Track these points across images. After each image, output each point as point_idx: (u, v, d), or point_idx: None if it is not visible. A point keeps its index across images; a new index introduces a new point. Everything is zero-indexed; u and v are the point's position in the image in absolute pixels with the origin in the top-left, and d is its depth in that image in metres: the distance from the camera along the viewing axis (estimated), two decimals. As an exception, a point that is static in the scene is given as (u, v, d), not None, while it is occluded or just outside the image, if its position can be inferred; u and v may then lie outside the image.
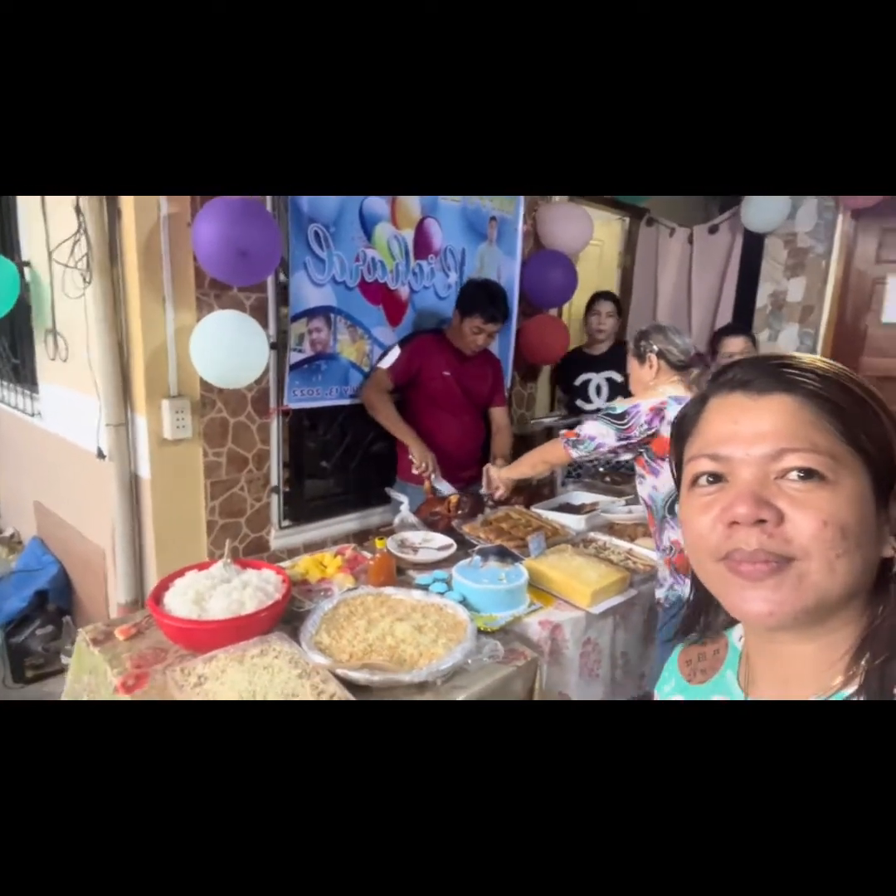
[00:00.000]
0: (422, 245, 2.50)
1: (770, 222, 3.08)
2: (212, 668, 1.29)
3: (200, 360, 1.94)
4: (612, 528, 2.15)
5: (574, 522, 2.09)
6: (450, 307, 2.48)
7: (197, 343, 1.93)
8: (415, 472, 2.18)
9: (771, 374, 0.48)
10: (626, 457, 1.71)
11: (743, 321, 3.39)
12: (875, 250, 3.06)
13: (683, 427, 0.55)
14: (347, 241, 2.26)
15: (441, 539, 1.91)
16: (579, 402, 3.00)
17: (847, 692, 0.46)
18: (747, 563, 0.46)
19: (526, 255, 2.87)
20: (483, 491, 2.07)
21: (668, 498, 1.63)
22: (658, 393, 1.66)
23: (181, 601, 1.41)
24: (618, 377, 2.90)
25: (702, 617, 0.60)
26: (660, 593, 1.69)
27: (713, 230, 3.43)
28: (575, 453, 1.72)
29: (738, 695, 0.55)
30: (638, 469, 1.73)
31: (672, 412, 1.58)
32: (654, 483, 1.66)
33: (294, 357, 2.20)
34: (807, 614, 0.46)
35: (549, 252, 2.85)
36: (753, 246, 3.31)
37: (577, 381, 2.98)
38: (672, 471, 0.58)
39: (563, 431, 1.79)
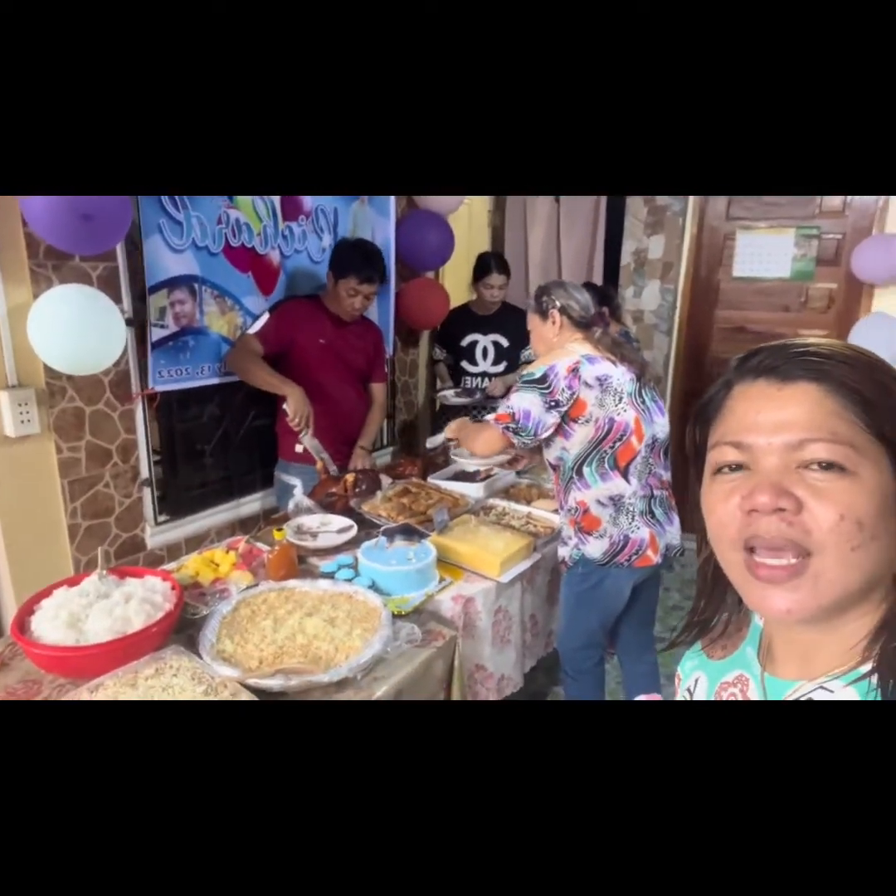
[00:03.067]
0: (290, 205, 2.31)
1: (632, 181, 3.18)
2: (99, 696, 1.14)
3: (42, 343, 1.67)
4: (507, 493, 2.17)
5: (473, 491, 2.08)
6: (325, 272, 2.33)
7: (36, 323, 1.66)
8: (289, 423, 2.02)
9: (796, 361, 0.48)
10: (554, 422, 1.64)
11: (610, 279, 3.52)
12: (725, 208, 3.26)
13: (707, 412, 0.54)
14: (206, 200, 2.03)
15: (340, 521, 1.82)
16: (464, 363, 2.94)
17: (862, 670, 0.47)
18: (765, 557, 0.46)
19: (399, 216, 2.76)
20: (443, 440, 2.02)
21: (578, 459, 1.64)
22: (569, 352, 1.64)
23: (52, 625, 1.23)
24: (504, 341, 2.88)
25: (721, 616, 0.60)
26: (563, 552, 1.72)
27: (578, 189, 3.49)
28: (517, 440, 1.63)
29: (756, 670, 0.56)
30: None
31: (587, 372, 1.58)
32: (565, 445, 1.65)
33: (156, 334, 1.97)
34: (825, 611, 0.47)
35: (424, 212, 2.76)
36: (617, 205, 3.41)
37: (464, 342, 2.91)
38: (689, 453, 0.57)
39: (489, 416, 1.73)
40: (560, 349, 1.66)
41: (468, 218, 3.92)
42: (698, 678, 0.62)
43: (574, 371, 1.57)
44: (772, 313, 3.25)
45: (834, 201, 3.01)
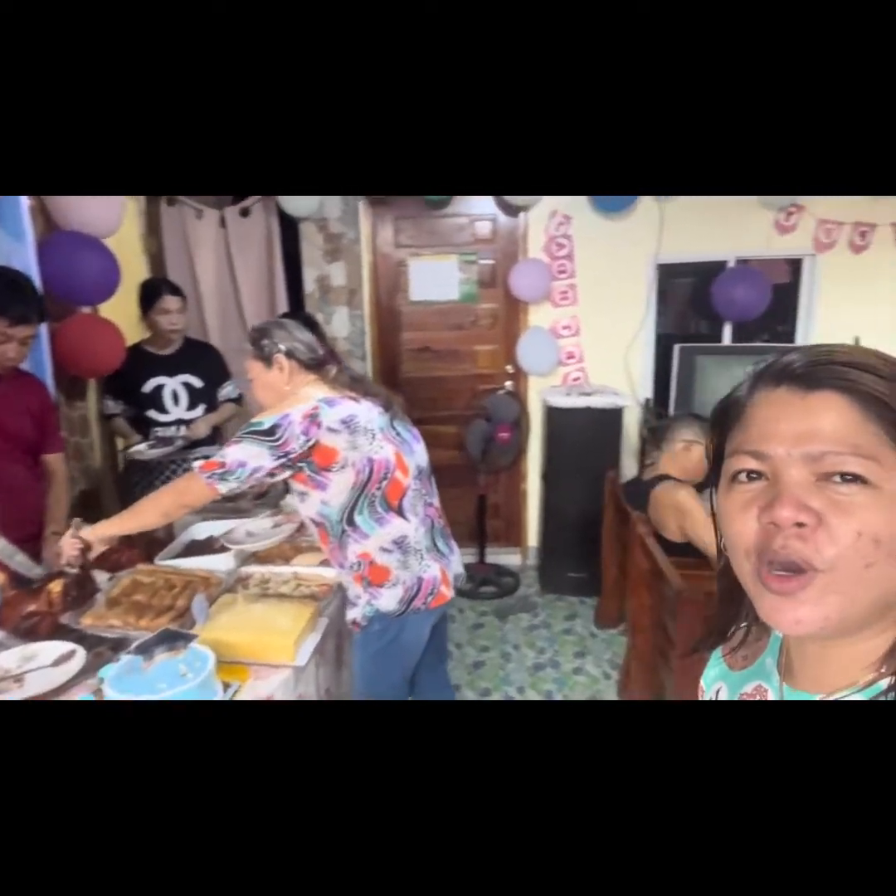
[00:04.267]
0: None
1: (304, 207, 3.10)
2: None
3: None
4: (257, 556, 1.87)
5: (222, 563, 1.73)
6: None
7: None
8: None
9: (821, 369, 0.46)
10: (284, 476, 1.47)
11: (295, 306, 3.38)
12: (393, 236, 3.41)
13: (726, 417, 0.52)
14: None
15: (54, 648, 1.32)
16: (152, 413, 2.45)
17: (881, 686, 0.47)
18: (776, 571, 0.46)
19: (38, 239, 2.18)
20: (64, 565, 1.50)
21: (345, 510, 1.47)
22: (303, 397, 1.46)
23: None
24: (196, 381, 2.49)
25: (740, 624, 0.59)
26: (354, 614, 1.54)
27: (245, 213, 3.27)
28: (223, 487, 1.40)
29: (775, 682, 0.56)
30: (296, 486, 1.51)
31: (328, 416, 1.42)
32: (323, 497, 1.47)
33: None
34: (835, 626, 0.46)
35: (72, 235, 2.23)
36: (291, 231, 3.29)
37: (146, 388, 2.43)
38: (707, 459, 0.55)
39: (197, 464, 1.42)
40: (292, 396, 1.48)
41: (118, 242, 3.36)
42: (719, 688, 0.62)
43: (312, 417, 1.40)
44: (449, 332, 3.52)
45: (484, 230, 3.40)
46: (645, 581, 2.26)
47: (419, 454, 1.59)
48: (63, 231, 2.25)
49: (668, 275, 3.38)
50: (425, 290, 3.47)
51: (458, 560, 1.65)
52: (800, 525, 0.44)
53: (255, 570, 1.76)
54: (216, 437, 2.53)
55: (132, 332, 2.50)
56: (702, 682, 0.66)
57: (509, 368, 3.51)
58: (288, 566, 1.79)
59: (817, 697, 0.50)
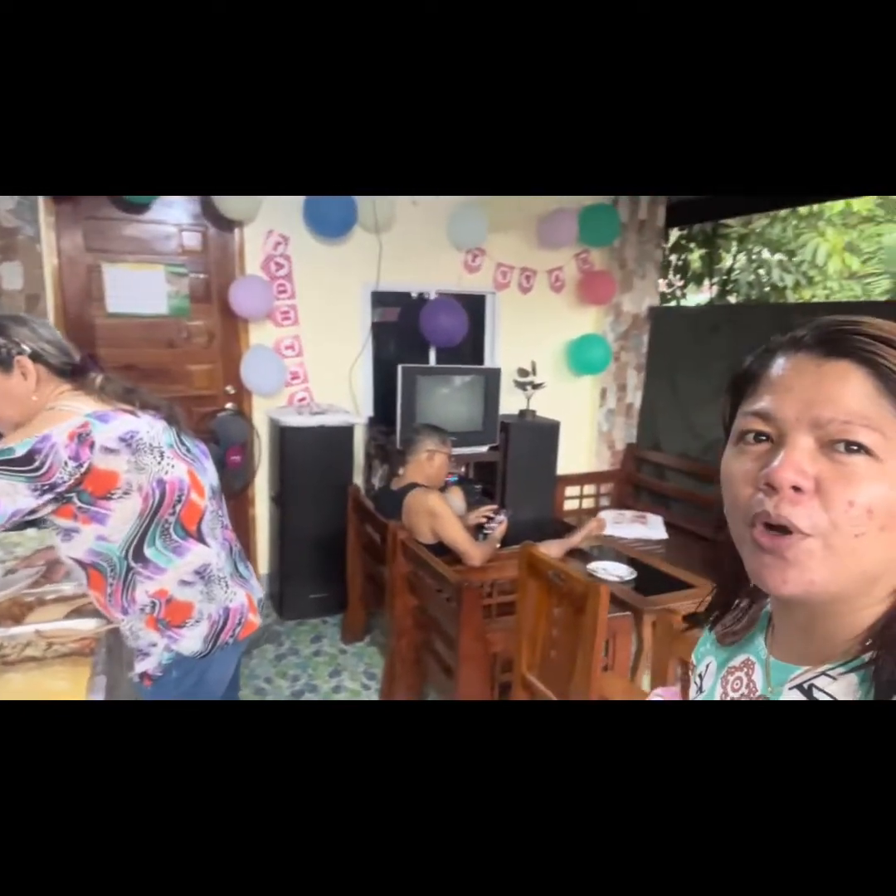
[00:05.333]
0: None
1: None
2: None
3: None
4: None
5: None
6: None
7: None
8: None
9: (839, 338, 0.46)
10: (47, 511, 1.19)
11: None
12: (83, 237, 2.95)
13: (743, 380, 0.52)
14: None
15: None
16: None
17: (865, 658, 0.47)
18: (769, 530, 0.46)
19: None
20: None
21: (130, 543, 1.25)
22: (65, 413, 1.21)
23: None
24: None
25: (739, 593, 0.59)
26: (146, 665, 1.30)
27: None
28: None
29: (763, 654, 0.56)
30: (59, 523, 1.23)
31: (101, 434, 1.19)
32: (101, 532, 1.23)
33: None
34: (818, 588, 0.46)
35: None
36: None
37: None
38: (723, 422, 0.54)
39: None
40: (48, 411, 1.22)
41: None
42: (709, 663, 0.63)
43: (81, 437, 1.17)
44: (158, 349, 3.19)
45: (193, 241, 3.17)
46: (407, 585, 2.38)
47: (211, 472, 1.44)
48: None
49: (377, 303, 3.62)
50: (126, 302, 3.08)
51: (257, 584, 1.52)
52: (796, 489, 0.45)
53: (-19, 639, 1.36)
54: None
55: None
56: (692, 657, 0.66)
57: (230, 389, 3.33)
58: (23, 626, 1.42)
59: (801, 670, 0.51)
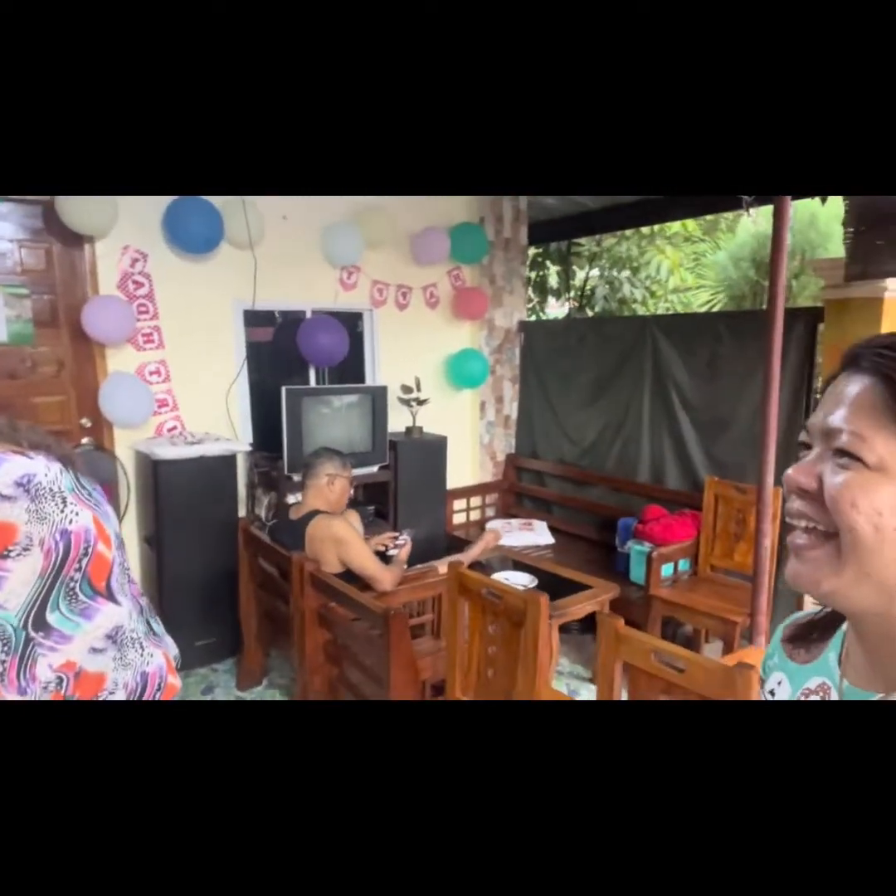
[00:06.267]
0: None
1: None
2: None
3: None
4: None
5: None
6: None
7: None
8: None
9: (868, 354, 0.49)
10: None
11: None
12: None
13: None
14: None
15: None
16: None
17: None
18: (794, 530, 0.50)
19: None
20: None
21: (30, 610, 1.04)
22: None
23: None
24: None
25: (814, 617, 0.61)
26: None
27: None
28: None
29: (837, 680, 0.56)
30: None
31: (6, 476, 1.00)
32: None
33: None
34: (824, 590, 0.48)
35: None
36: None
37: None
38: None
39: None
40: None
41: None
42: (780, 680, 0.62)
43: None
44: (0, 381, 2.77)
45: (34, 258, 2.81)
46: (316, 618, 2.25)
47: (113, 518, 1.25)
48: None
49: (254, 323, 3.43)
50: (-48, 329, 2.65)
51: (171, 640, 1.34)
52: (804, 492, 0.48)
53: None
54: None
55: None
56: (760, 671, 0.65)
57: (86, 422, 2.98)
58: None
59: (875, 696, 0.51)
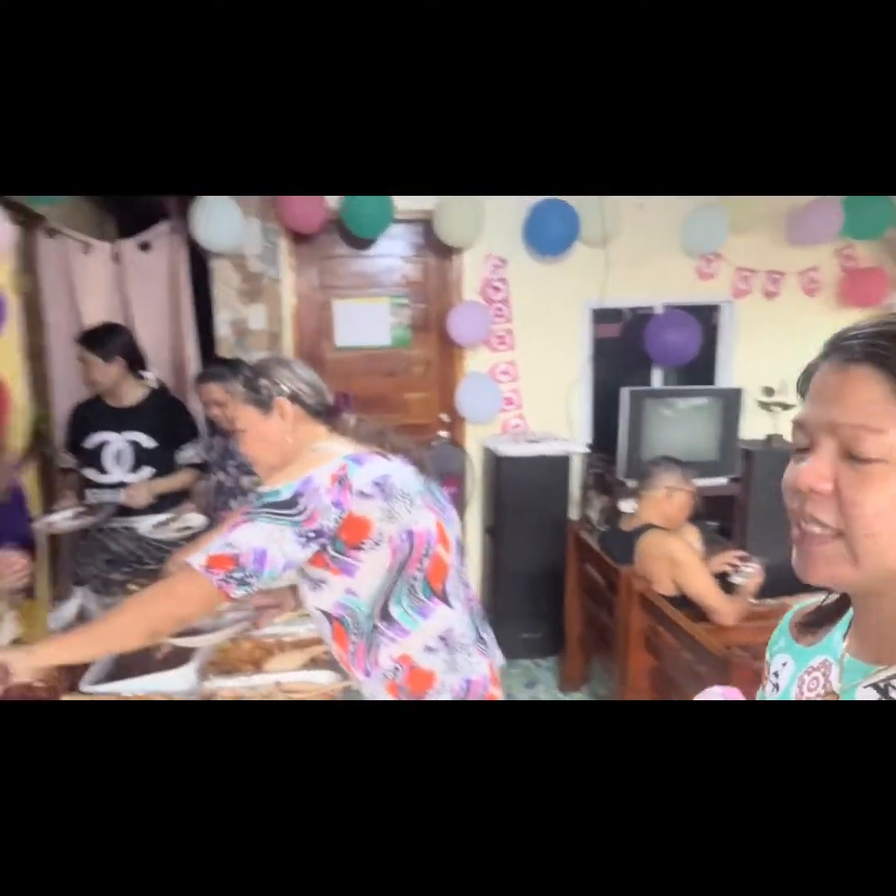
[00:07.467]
0: None
1: (222, 241, 2.72)
2: None
3: None
4: (214, 664, 1.47)
5: (179, 682, 1.31)
6: None
7: None
8: None
9: (863, 343, 0.47)
10: (306, 557, 1.13)
11: (206, 353, 2.97)
12: (318, 277, 3.12)
13: (802, 389, 0.53)
14: None
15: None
16: (90, 473, 2.08)
17: None
18: (802, 528, 0.50)
19: None
20: None
21: (378, 600, 1.15)
22: (324, 454, 1.15)
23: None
24: (148, 441, 2.11)
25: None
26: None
27: (145, 247, 2.85)
28: (241, 591, 1.06)
29: (839, 655, 0.56)
30: (311, 572, 1.17)
31: (358, 477, 1.11)
32: (349, 585, 1.14)
33: None
34: (843, 584, 0.51)
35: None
36: (201, 271, 2.91)
37: (90, 443, 2.08)
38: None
39: (197, 560, 1.05)
40: (310, 452, 1.18)
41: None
42: (785, 662, 0.63)
43: (340, 480, 1.10)
44: (377, 379, 3.26)
45: (416, 272, 3.21)
46: (643, 641, 2.08)
47: (456, 524, 1.31)
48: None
49: (599, 320, 3.37)
50: (352, 335, 3.19)
51: (499, 651, 1.36)
52: (816, 493, 0.48)
53: (223, 685, 1.36)
54: (164, 504, 2.13)
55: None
56: (767, 656, 0.66)
57: (444, 417, 3.30)
58: (262, 674, 1.41)
59: (877, 669, 0.51)
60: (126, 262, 2.83)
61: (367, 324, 3.18)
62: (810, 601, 0.63)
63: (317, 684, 1.34)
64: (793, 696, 0.60)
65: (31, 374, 2.82)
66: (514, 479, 2.97)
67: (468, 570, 1.34)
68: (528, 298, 3.19)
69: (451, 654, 1.19)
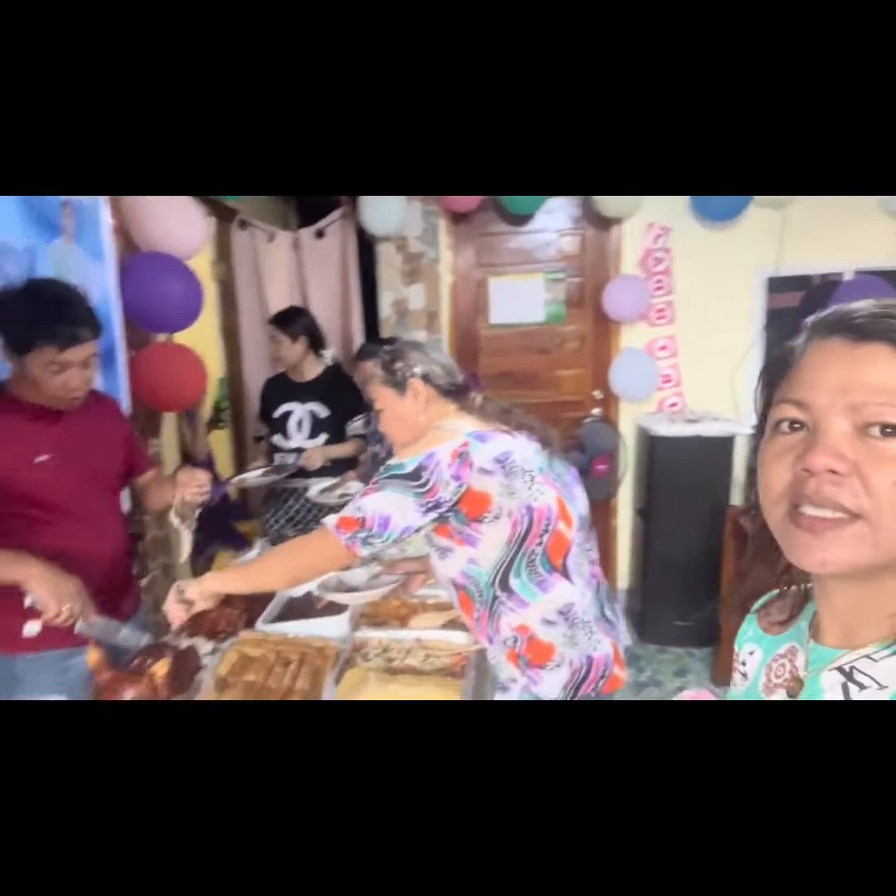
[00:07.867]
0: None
1: (386, 225, 2.89)
2: None
3: None
4: (366, 616, 1.62)
5: (334, 628, 1.48)
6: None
7: None
8: (51, 621, 1.21)
9: (875, 321, 0.46)
10: (425, 524, 1.22)
11: (370, 332, 3.19)
12: (475, 254, 3.19)
13: (775, 368, 0.53)
14: None
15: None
16: (277, 439, 2.46)
17: None
18: (810, 512, 0.47)
19: (120, 260, 2.01)
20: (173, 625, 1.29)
21: (497, 571, 1.21)
22: (449, 432, 1.22)
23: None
24: (323, 411, 2.44)
25: (771, 581, 0.60)
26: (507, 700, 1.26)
27: (320, 234, 3.10)
28: (366, 550, 1.18)
29: (805, 641, 0.57)
30: (438, 540, 1.25)
31: (480, 454, 1.17)
32: (472, 555, 1.21)
33: None
34: (861, 571, 0.48)
35: (156, 256, 2.05)
36: (367, 253, 3.10)
37: (277, 413, 2.45)
38: (756, 412, 0.55)
39: (331, 521, 1.19)
40: (435, 430, 1.24)
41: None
42: (753, 651, 0.64)
43: (462, 456, 1.16)
44: (531, 356, 3.27)
45: (571, 245, 3.15)
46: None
47: (580, 500, 1.32)
48: (144, 252, 2.07)
49: (773, 289, 3.08)
50: (506, 312, 3.23)
51: (625, 630, 1.36)
52: (833, 472, 0.45)
53: (372, 635, 1.50)
54: (336, 468, 2.44)
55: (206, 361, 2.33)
56: (736, 647, 0.67)
57: (597, 394, 3.24)
58: (406, 630, 1.52)
59: (842, 653, 0.52)
60: (304, 249, 3.10)
61: (521, 300, 3.20)
62: (774, 592, 0.63)
63: (453, 644, 1.43)
64: (760, 685, 0.61)
65: (226, 352, 3.21)
66: (668, 459, 2.85)
67: (595, 549, 1.34)
68: (692, 269, 3.00)
69: (571, 629, 1.21)
